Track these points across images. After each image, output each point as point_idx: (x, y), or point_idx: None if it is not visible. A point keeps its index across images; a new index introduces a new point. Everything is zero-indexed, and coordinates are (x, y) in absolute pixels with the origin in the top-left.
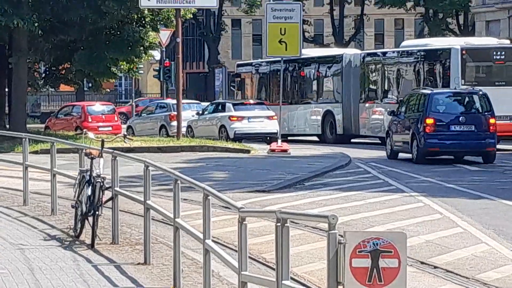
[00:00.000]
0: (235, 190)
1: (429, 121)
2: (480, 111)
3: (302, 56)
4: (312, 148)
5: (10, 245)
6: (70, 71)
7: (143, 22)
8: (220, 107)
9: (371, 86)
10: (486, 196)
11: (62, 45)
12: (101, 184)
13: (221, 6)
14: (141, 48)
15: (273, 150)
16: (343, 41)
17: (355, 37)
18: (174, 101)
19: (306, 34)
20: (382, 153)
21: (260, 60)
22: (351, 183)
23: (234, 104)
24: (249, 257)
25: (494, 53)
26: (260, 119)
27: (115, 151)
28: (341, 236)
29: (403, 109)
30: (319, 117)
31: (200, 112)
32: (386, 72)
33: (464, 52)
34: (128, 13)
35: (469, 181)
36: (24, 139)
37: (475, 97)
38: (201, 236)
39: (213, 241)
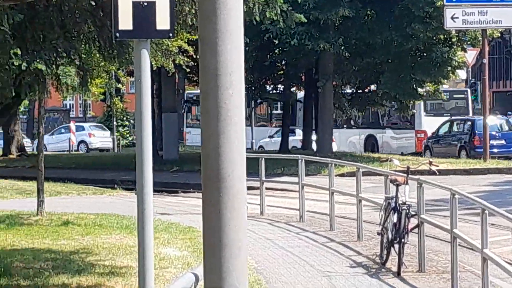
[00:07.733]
0: None
1: (477, 137)
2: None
3: None
4: None
5: (317, 272)
6: (376, 94)
7: (450, 42)
8: None
9: None
10: None
11: (367, 67)
12: (407, 211)
13: None
14: (448, 68)
15: None
16: None
17: None
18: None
19: None
20: None
21: None
22: None
23: None
24: None
25: None
26: None
27: (420, 178)
28: None
29: (444, 130)
30: None
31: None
32: None
33: None
34: (435, 34)
35: None
36: (330, 165)
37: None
38: (510, 268)
39: None
